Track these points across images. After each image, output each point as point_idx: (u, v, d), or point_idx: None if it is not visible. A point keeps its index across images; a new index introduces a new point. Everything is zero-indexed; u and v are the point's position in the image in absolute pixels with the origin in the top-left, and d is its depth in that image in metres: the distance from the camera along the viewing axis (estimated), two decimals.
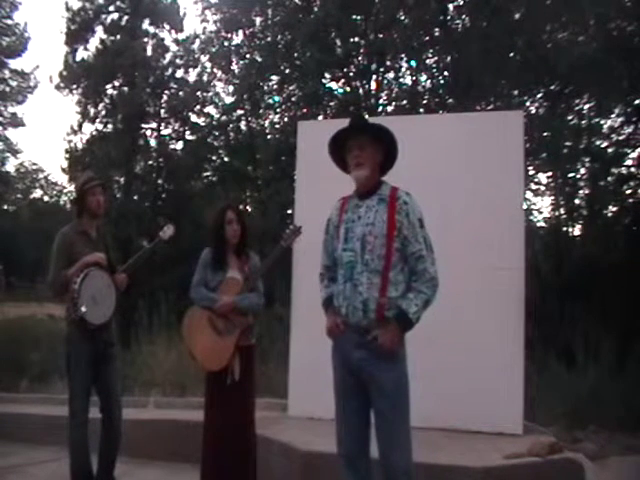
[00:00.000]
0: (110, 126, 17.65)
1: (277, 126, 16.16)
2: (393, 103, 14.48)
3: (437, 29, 13.32)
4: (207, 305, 3.65)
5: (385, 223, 2.70)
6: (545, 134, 11.46)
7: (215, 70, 16.93)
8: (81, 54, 17.90)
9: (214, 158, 18.33)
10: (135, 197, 17.85)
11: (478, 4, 12.48)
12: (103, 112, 17.74)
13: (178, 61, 18.02)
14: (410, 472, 2.66)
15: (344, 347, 2.76)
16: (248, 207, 17.20)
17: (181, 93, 17.66)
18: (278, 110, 16.21)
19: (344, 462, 2.77)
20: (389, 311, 2.66)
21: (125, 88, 17.62)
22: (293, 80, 15.08)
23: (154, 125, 18.36)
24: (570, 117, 12.20)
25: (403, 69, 14.59)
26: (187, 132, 18.29)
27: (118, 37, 17.67)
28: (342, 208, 2.89)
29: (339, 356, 2.81)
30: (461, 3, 13.73)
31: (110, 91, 17.87)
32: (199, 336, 3.62)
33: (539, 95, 12.73)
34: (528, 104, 12.50)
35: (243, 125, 17.46)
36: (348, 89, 14.75)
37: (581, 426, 5.23)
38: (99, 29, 17.98)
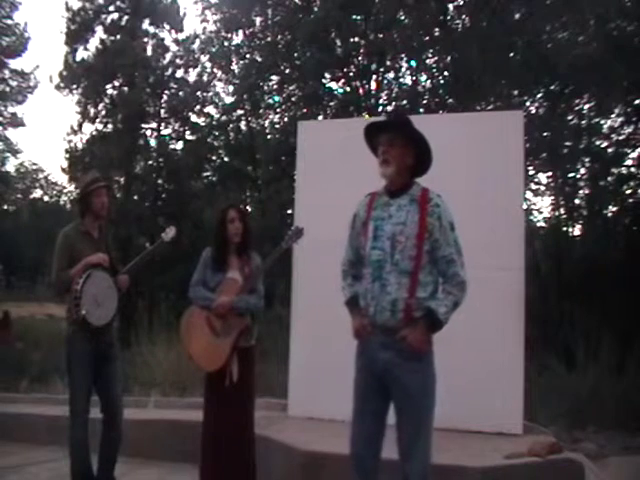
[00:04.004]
0: (110, 126, 17.68)
1: (277, 126, 16.19)
2: (393, 103, 14.49)
3: (437, 29, 13.33)
4: (204, 305, 3.63)
5: (416, 224, 2.65)
6: (545, 134, 11.47)
7: (215, 70, 16.97)
8: (81, 54, 17.98)
9: (214, 158, 18.35)
10: (135, 197, 17.87)
11: (478, 4, 12.49)
12: (103, 112, 17.77)
13: (178, 61, 18.04)
14: (427, 477, 2.63)
15: (370, 348, 2.69)
16: (248, 207, 17.22)
17: (181, 93, 17.68)
18: (278, 110, 16.25)
19: (353, 462, 2.72)
20: (417, 311, 2.62)
21: (125, 88, 17.64)
22: (293, 80, 15.10)
23: (154, 125, 18.39)
24: (570, 117, 12.21)
25: (403, 69, 14.64)
26: (187, 132, 18.32)
27: (118, 37, 17.69)
28: (370, 204, 2.81)
29: (364, 357, 2.74)
30: (461, 3, 13.75)
31: (110, 91, 17.91)
32: (196, 336, 3.61)
33: (539, 95, 12.74)
34: (528, 104, 12.52)
35: (243, 125, 17.49)
36: (348, 89, 14.77)
37: (581, 426, 5.23)
38: (99, 29, 18.04)
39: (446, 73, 13.31)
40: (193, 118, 18.04)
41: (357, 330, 2.75)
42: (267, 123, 16.88)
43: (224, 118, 17.32)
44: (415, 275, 2.63)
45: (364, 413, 2.71)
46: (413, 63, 14.03)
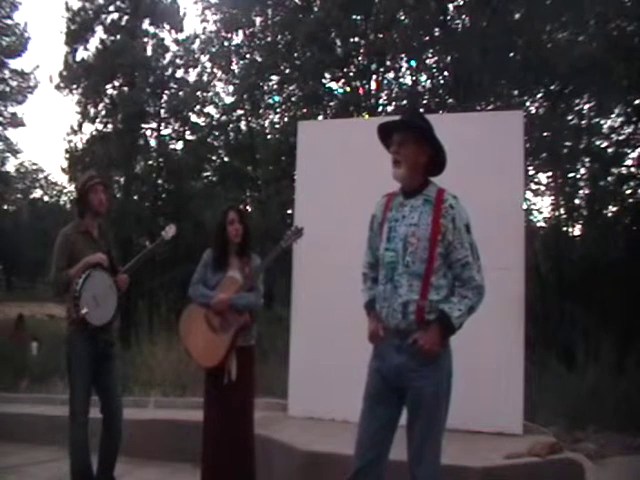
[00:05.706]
0: (110, 126, 17.67)
1: (277, 126, 16.19)
2: (393, 103, 14.50)
3: (437, 29, 13.33)
4: (203, 302, 3.65)
5: (429, 226, 2.59)
6: (545, 134, 11.48)
7: (215, 70, 16.98)
8: (81, 54, 17.95)
9: (214, 158, 18.37)
10: (135, 197, 17.86)
11: (478, 4, 12.50)
12: (103, 112, 17.76)
13: (178, 61, 18.04)
14: None
15: (385, 352, 2.65)
16: (248, 207, 17.23)
17: (181, 93, 17.68)
18: (278, 110, 16.26)
19: (355, 467, 2.64)
20: (430, 314, 2.57)
21: (125, 88, 17.64)
22: (293, 80, 15.10)
23: (154, 125, 18.39)
24: (570, 117, 12.22)
25: (403, 69, 14.64)
26: (187, 132, 18.32)
27: (118, 37, 17.68)
28: (387, 205, 2.76)
29: (378, 361, 2.70)
30: (461, 3, 13.75)
31: (110, 91, 17.90)
32: (195, 332, 3.63)
33: (539, 95, 12.76)
34: (528, 104, 12.53)
35: (243, 125, 17.51)
36: (348, 89, 14.77)
37: (581, 426, 5.22)
38: (99, 29, 18.02)
39: (446, 73, 13.32)
40: (193, 118, 18.06)
41: (371, 334, 2.71)
42: (267, 123, 16.91)
43: (224, 118, 17.34)
44: (427, 278, 2.57)
45: (370, 417, 2.65)
46: (413, 63, 14.04)
